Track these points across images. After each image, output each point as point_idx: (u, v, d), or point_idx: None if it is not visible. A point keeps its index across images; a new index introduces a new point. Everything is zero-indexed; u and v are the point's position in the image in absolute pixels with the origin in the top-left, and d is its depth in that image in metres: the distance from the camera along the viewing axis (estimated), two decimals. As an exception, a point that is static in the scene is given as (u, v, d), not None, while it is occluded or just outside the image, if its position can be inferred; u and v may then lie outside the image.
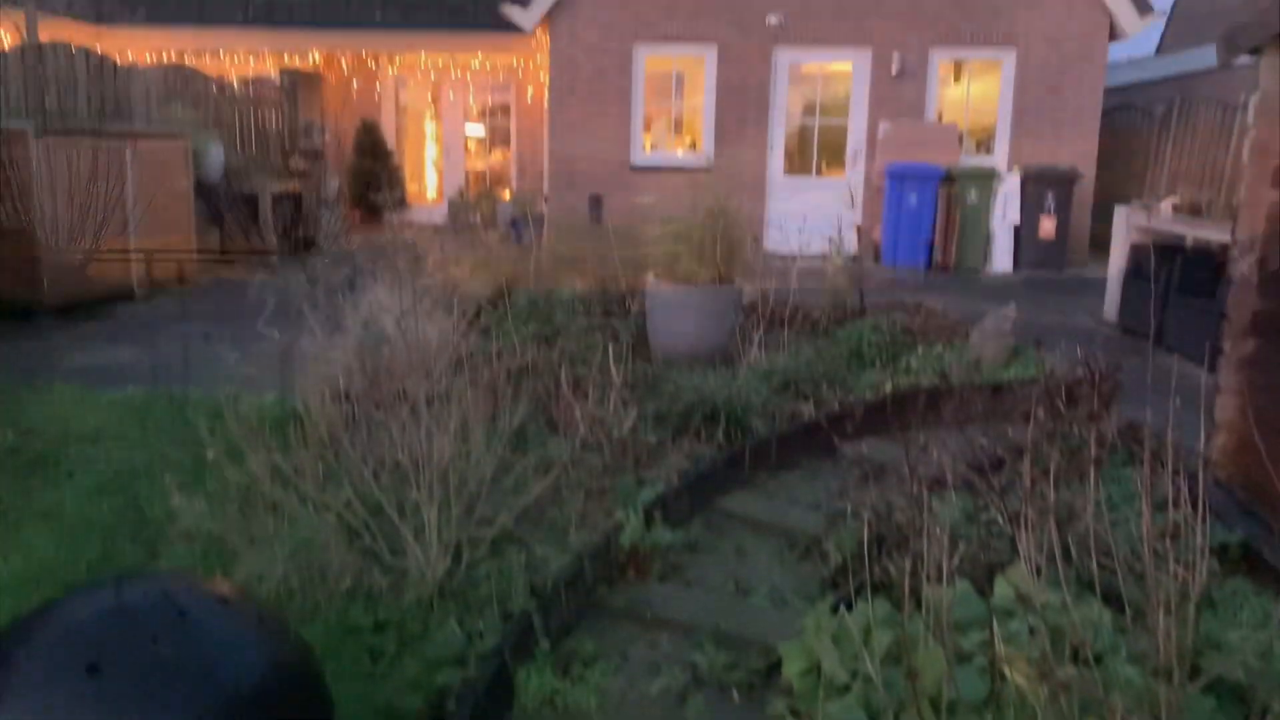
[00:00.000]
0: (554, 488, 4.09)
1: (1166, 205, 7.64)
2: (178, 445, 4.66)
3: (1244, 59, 4.85)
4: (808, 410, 5.26)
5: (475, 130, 16.48)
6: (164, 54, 14.35)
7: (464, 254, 6.97)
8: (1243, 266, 4.37)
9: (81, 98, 9.48)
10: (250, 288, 5.38)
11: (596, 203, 13.03)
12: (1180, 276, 7.22)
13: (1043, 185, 11.76)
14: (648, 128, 13.38)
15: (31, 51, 8.97)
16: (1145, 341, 7.59)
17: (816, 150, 13.04)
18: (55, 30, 11.81)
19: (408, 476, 3.59)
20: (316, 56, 14.94)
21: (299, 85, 14.20)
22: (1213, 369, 6.34)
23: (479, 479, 3.70)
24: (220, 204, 10.74)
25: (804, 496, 4.48)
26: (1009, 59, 12.47)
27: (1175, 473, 3.56)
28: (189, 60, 14.31)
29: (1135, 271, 7.94)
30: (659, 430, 4.92)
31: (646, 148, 13.35)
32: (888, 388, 5.54)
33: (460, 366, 4.54)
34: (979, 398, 5.21)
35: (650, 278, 6.70)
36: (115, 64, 10.16)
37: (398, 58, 15.43)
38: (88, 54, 9.73)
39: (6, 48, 9.56)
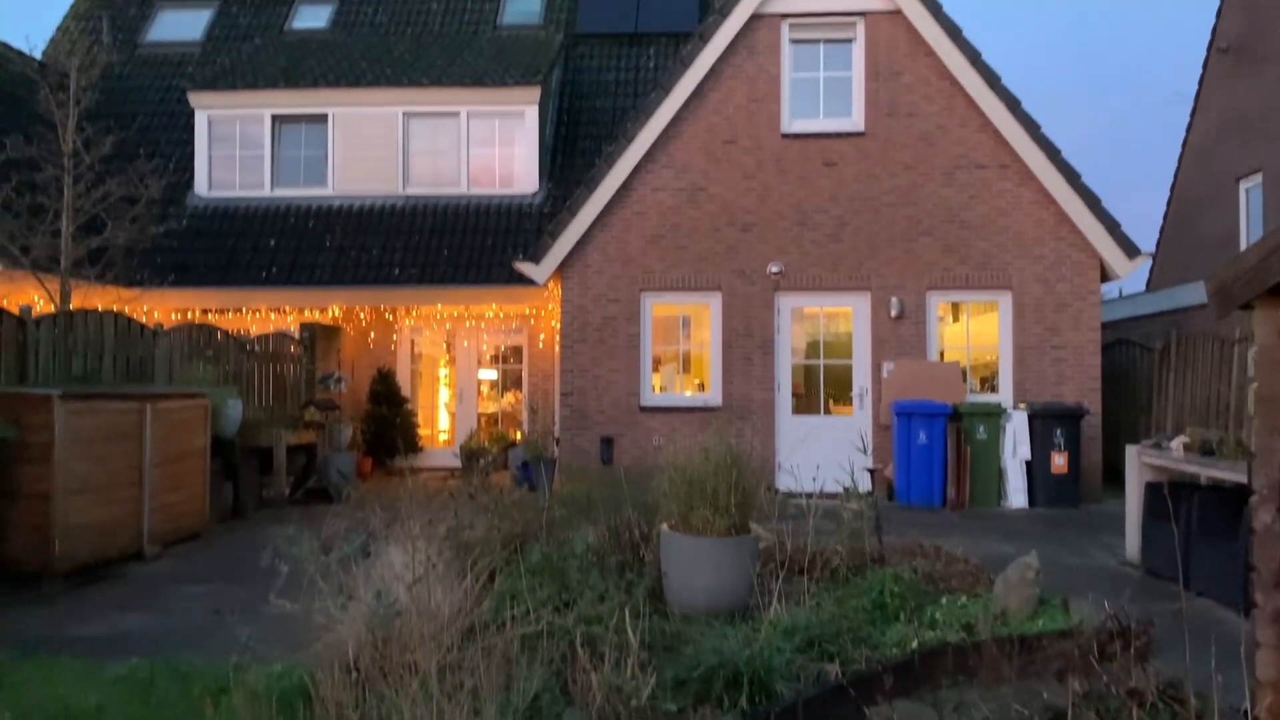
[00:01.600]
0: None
1: (1177, 444, 7.67)
2: (180, 724, 4.50)
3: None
4: (833, 671, 5.08)
5: (488, 374, 16.87)
6: (189, 312, 14.94)
7: (475, 505, 6.94)
8: (1264, 517, 4.32)
9: (108, 361, 9.77)
10: (261, 549, 5.33)
11: (608, 444, 13.14)
12: (1199, 517, 7.15)
13: (1050, 421, 11.88)
14: (656, 369, 13.69)
15: (63, 319, 9.32)
16: (1171, 584, 7.42)
17: (823, 389, 13.27)
18: (86, 293, 12.37)
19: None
20: (336, 310, 15.52)
21: (318, 337, 14.67)
22: (1247, 614, 6.14)
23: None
24: (235, 459, 10.85)
25: (834, 769, 4.25)
26: (1005, 300, 12.90)
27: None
28: (213, 317, 14.89)
29: (1153, 511, 7.87)
30: (679, 697, 4.73)
31: (656, 389, 13.61)
32: (914, 644, 5.37)
33: (473, 634, 4.45)
34: (1008, 654, 5.03)
35: (664, 527, 6.65)
36: (142, 327, 10.53)
37: (415, 309, 16.01)
38: (116, 318, 10.11)
39: (38, 312, 9.94)
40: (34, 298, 11.74)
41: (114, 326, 10.00)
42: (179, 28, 19.41)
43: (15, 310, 8.91)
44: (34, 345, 8.85)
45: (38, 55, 17.00)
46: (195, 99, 16.15)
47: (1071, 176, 12.57)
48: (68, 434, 7.72)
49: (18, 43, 16.59)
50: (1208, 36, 18.26)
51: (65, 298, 11.24)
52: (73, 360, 9.33)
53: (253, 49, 18.14)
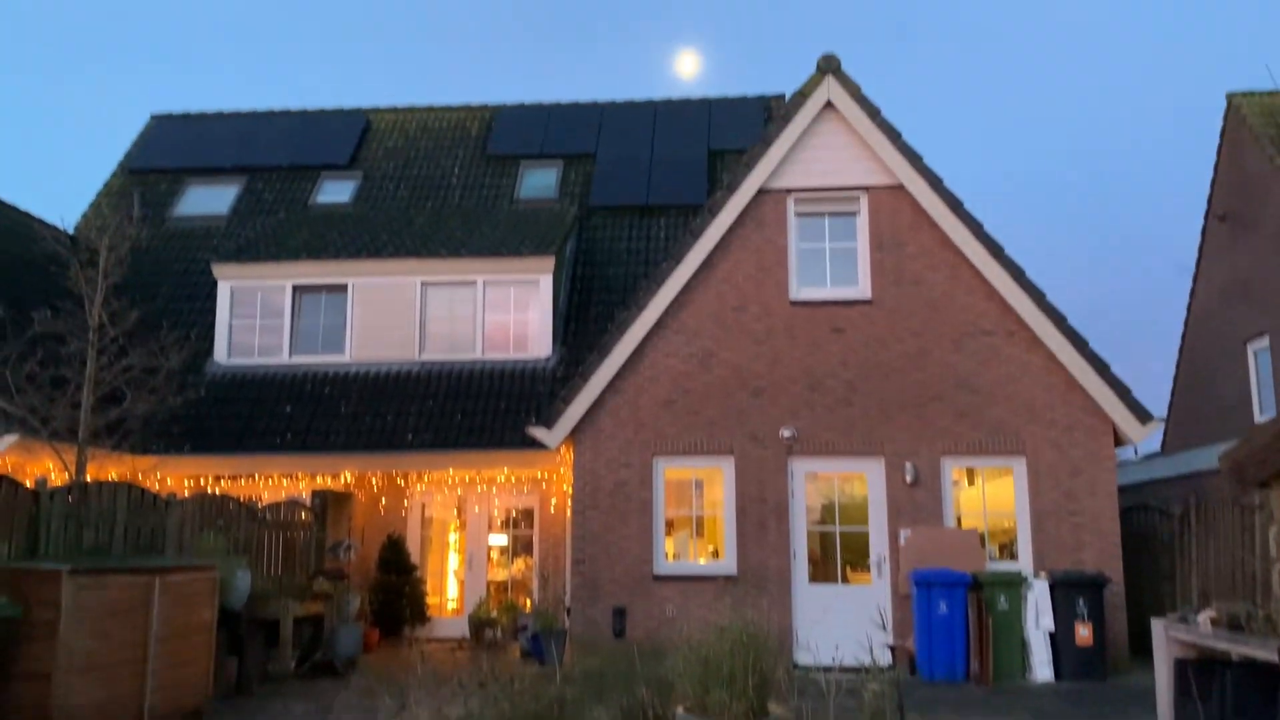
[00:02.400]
0: None
1: (1204, 619, 7.48)
2: None
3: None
4: None
5: (498, 540, 16.69)
6: (202, 479, 14.97)
7: (485, 687, 6.76)
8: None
9: (119, 532, 9.75)
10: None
11: (620, 615, 12.88)
12: (1233, 696, 6.90)
13: (1072, 590, 11.64)
14: (670, 534, 13.54)
15: (77, 491, 9.35)
16: (1210, 768, 7.11)
17: (840, 556, 13.07)
18: (102, 460, 12.44)
19: None
20: (348, 476, 15.52)
21: (329, 504, 14.63)
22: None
23: None
24: (242, 631, 10.65)
25: None
26: (1019, 466, 12.84)
27: None
28: (226, 483, 14.90)
29: (1183, 689, 7.60)
30: None
31: (669, 556, 13.42)
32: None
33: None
34: None
35: (680, 711, 6.45)
36: (155, 497, 10.55)
37: (427, 474, 16.01)
38: (129, 489, 10.14)
39: (52, 482, 9.97)
40: (49, 467, 11.80)
41: (127, 498, 10.02)
42: (207, 202, 20.18)
43: (31, 481, 8.96)
44: (46, 518, 8.86)
45: (70, 228, 17.65)
46: (219, 270, 16.64)
47: (1079, 343, 12.71)
48: (74, 611, 7.62)
49: (51, 217, 17.18)
50: (1204, 205, 18.79)
51: (81, 468, 11.29)
52: (83, 532, 9.31)
53: (276, 223, 18.79)
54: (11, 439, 11.57)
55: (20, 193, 74.15)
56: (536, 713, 6.71)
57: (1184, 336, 19.69)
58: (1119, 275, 65.68)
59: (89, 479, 10.68)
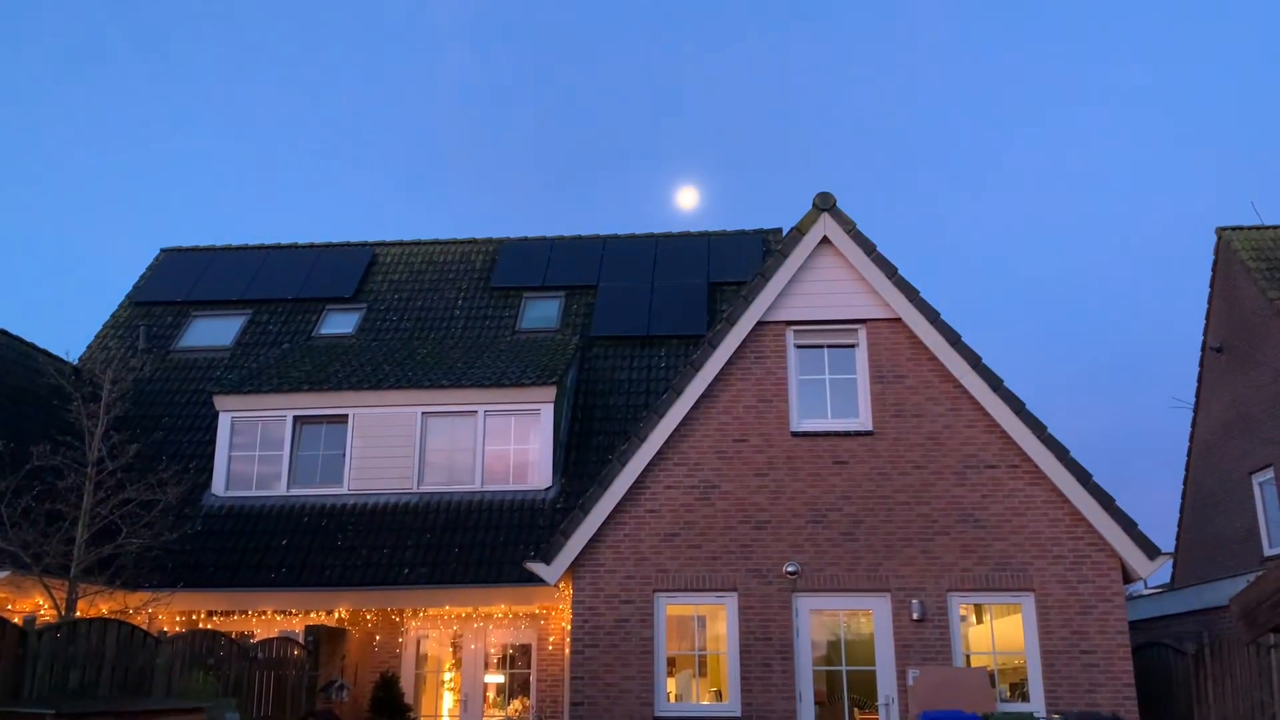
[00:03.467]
0: None
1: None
2: None
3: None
4: None
5: (494, 678, 16.24)
6: (195, 614, 14.68)
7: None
8: None
9: (106, 672, 9.49)
10: None
11: (620, 762, 12.43)
12: None
13: (1087, 733, 11.25)
14: (671, 673, 13.19)
15: (65, 629, 9.15)
16: None
17: (847, 697, 12.69)
18: (93, 596, 12.20)
19: None
20: (343, 611, 15.22)
21: (322, 641, 14.29)
22: None
23: None
24: (227, 778, 10.28)
25: None
26: (1028, 602, 12.61)
27: None
28: (218, 618, 14.60)
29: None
30: None
31: (671, 697, 13.04)
32: None
33: None
34: None
35: None
36: (145, 635, 10.32)
37: (422, 610, 15.69)
38: (120, 627, 9.92)
39: (41, 619, 9.77)
40: (39, 603, 11.59)
41: (116, 636, 9.79)
42: (211, 334, 20.40)
43: (19, 619, 8.77)
44: (33, 657, 8.63)
45: (75, 360, 17.78)
46: (220, 402, 16.68)
47: (1083, 476, 12.63)
48: (55, 758, 7.36)
49: (57, 350, 17.35)
50: (1200, 337, 18.97)
51: (71, 605, 11.09)
52: (70, 673, 9.06)
53: (279, 354, 18.94)
54: (2, 575, 11.39)
55: (27, 326, 75.04)
56: None
57: (1188, 468, 19.60)
58: (1121, 407, 65.85)
59: (79, 615, 10.46)
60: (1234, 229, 18.41)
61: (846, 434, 13.44)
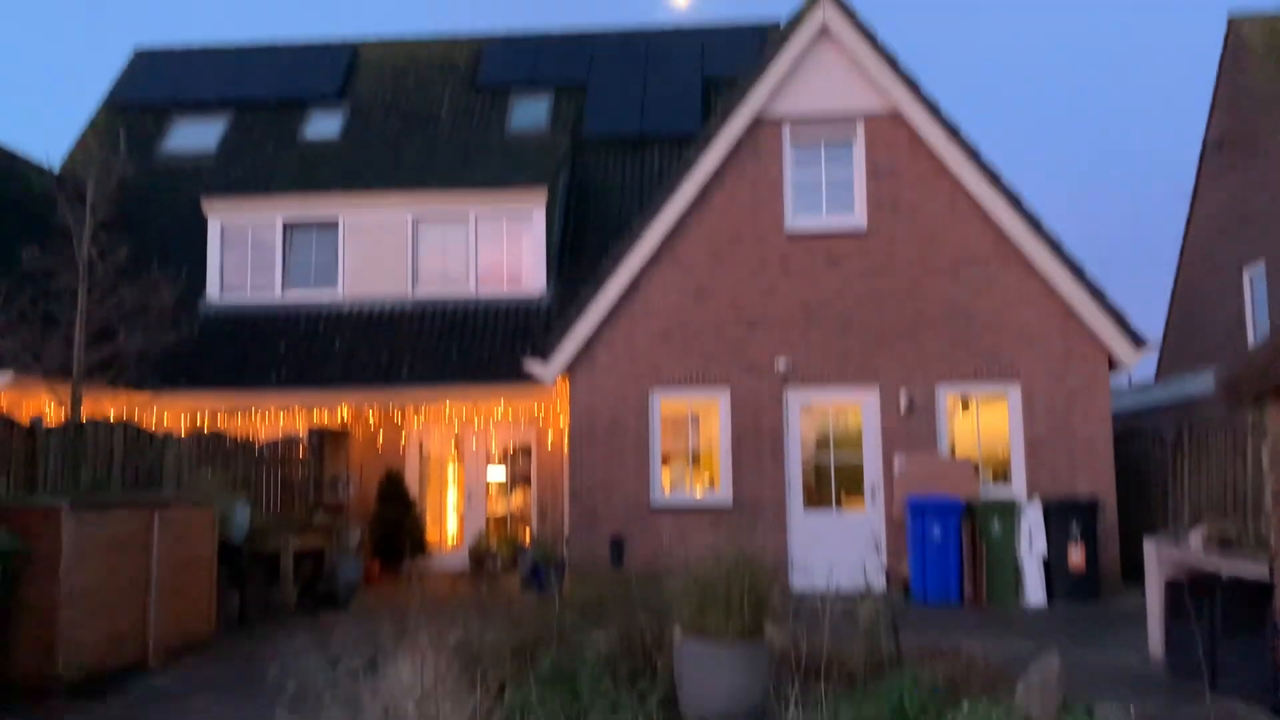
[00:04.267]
0: None
1: (1195, 538, 7.56)
2: None
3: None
4: (853, 784, 4.92)
5: (496, 475, 16.79)
6: (198, 415, 14.98)
7: (485, 613, 6.83)
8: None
9: (116, 469, 9.77)
10: (268, 659, 5.24)
11: (618, 546, 13.01)
12: (1223, 613, 7.00)
13: (1065, 515, 11.74)
14: (666, 466, 13.62)
15: (73, 429, 9.34)
16: (1198, 682, 7.24)
17: (835, 485, 13.16)
18: (98, 397, 12.41)
19: None
20: (345, 412, 15.54)
21: (326, 440, 14.66)
22: (1277, 713, 5.98)
23: None
24: (242, 565, 10.74)
25: None
26: (1014, 393, 12.89)
27: None
28: (223, 419, 14.92)
29: (1174, 608, 7.71)
30: (696, 816, 4.58)
31: (666, 488, 13.51)
32: (936, 755, 5.21)
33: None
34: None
35: (677, 633, 6.52)
36: (151, 435, 10.55)
37: (423, 409, 16.03)
38: (125, 427, 10.14)
39: (49, 419, 9.96)
40: (45, 406, 11.79)
41: (123, 435, 10.03)
42: (194, 138, 19.90)
43: (27, 420, 8.96)
44: (44, 455, 8.87)
45: (56, 167, 17.43)
46: (208, 205, 16.48)
47: (1075, 269, 12.67)
48: (75, 545, 7.66)
49: (37, 156, 16.96)
50: (1202, 131, 18.60)
51: (76, 406, 11.27)
52: (81, 470, 9.33)
53: (266, 158, 18.57)
54: (5, 378, 11.53)
55: (4, 132, 73.14)
56: (536, 636, 6.80)
57: (1180, 262, 19.64)
58: (1115, 203, 65.38)
59: (85, 417, 10.66)
60: (1247, 16, 17.75)
61: (841, 233, 13.37)
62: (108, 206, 11.96)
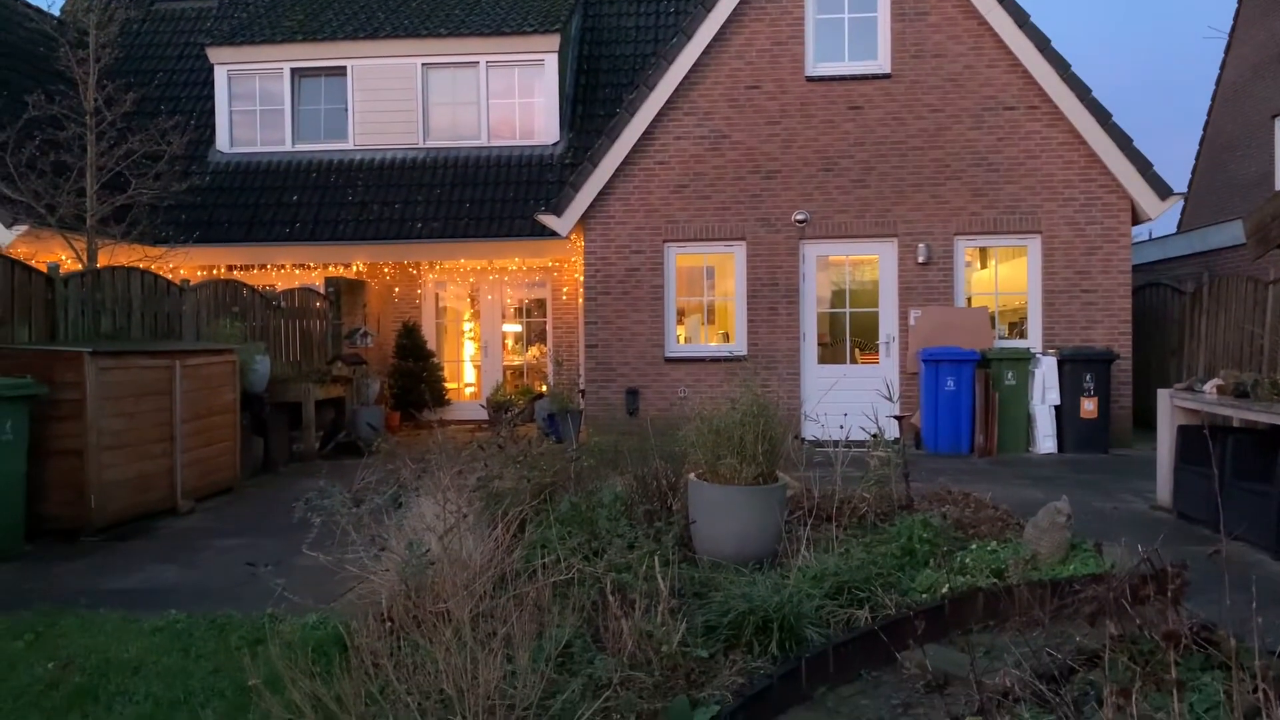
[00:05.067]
0: (603, 711, 3.92)
1: (1210, 387, 7.57)
2: (220, 674, 4.57)
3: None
4: (863, 616, 5.09)
5: (512, 328, 16.88)
6: (214, 269, 15.00)
7: (504, 456, 6.96)
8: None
9: (135, 318, 9.83)
10: (292, 502, 5.38)
11: (633, 396, 13.15)
12: (1233, 460, 7.07)
13: (1079, 366, 11.76)
14: (681, 320, 13.64)
15: (90, 277, 9.36)
16: (1203, 527, 7.39)
17: (849, 338, 13.18)
18: (113, 251, 12.42)
19: (453, 705, 3.47)
20: (360, 265, 15.53)
21: (343, 292, 14.70)
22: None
23: (525, 703, 3.57)
24: (265, 414, 10.93)
25: (867, 712, 4.27)
26: (1034, 245, 12.73)
27: (1262, 680, 3.36)
28: (238, 273, 14.94)
29: (1185, 455, 7.79)
30: (709, 643, 4.75)
31: (681, 340, 13.57)
32: (944, 589, 5.37)
33: (504, 582, 4.48)
34: (1040, 599, 5.02)
35: (692, 477, 6.64)
36: (169, 283, 10.57)
37: (439, 264, 16.00)
38: (143, 275, 10.15)
39: (65, 270, 9.98)
40: (61, 256, 11.80)
41: (141, 283, 10.05)
42: (195, -18, 19.26)
43: (43, 269, 8.97)
44: (63, 303, 8.91)
45: (55, 13, 16.96)
46: (214, 54, 16.08)
47: (1102, 116, 12.32)
48: (99, 391, 7.79)
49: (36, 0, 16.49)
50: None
51: (92, 256, 11.29)
52: (101, 318, 9.39)
53: (269, 2, 17.98)
54: (21, 228, 11.51)
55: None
56: (554, 480, 6.94)
57: (1210, 112, 19.06)
58: (1146, 49, 63.09)
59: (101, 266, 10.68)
60: None
61: (863, 77, 12.98)
62: (110, 53, 11.69)
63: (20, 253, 11.63)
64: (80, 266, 11.25)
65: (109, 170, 11.70)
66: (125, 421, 8.14)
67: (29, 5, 16.20)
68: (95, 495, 7.71)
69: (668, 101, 13.12)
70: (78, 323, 9.09)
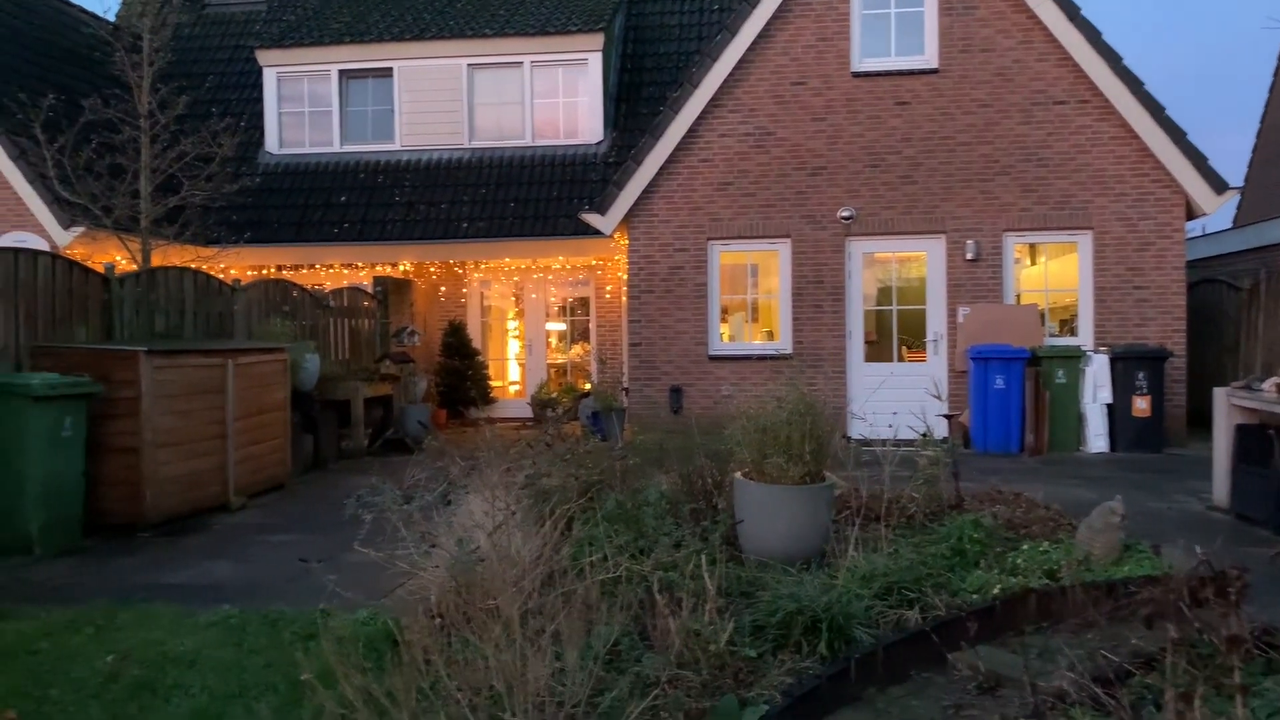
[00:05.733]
0: (651, 710, 3.92)
1: (1269, 386, 7.40)
2: (272, 668, 4.64)
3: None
4: (913, 617, 5.04)
5: (556, 326, 16.95)
6: (264, 269, 15.22)
7: (552, 454, 6.98)
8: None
9: (188, 317, 10.00)
10: (342, 499, 5.45)
11: (677, 394, 13.14)
12: (1293, 459, 6.91)
13: (1132, 364, 11.56)
14: (725, 318, 13.60)
15: (145, 277, 9.54)
16: (1261, 529, 7.23)
17: (896, 336, 13.06)
18: (165, 252, 12.65)
19: (502, 701, 3.49)
20: (407, 265, 15.68)
21: (390, 291, 14.85)
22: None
23: (574, 700, 3.58)
24: (314, 412, 11.07)
25: (918, 713, 4.23)
26: (1085, 241, 12.53)
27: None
28: (287, 273, 15.15)
29: (1242, 455, 7.63)
30: (757, 643, 4.73)
31: (725, 338, 13.53)
32: (996, 590, 5.30)
33: (553, 580, 4.50)
34: (1094, 600, 4.93)
35: (738, 475, 6.62)
36: (220, 283, 10.74)
37: (483, 263, 16.11)
38: (195, 275, 10.33)
39: (120, 271, 10.18)
40: (116, 257, 12.04)
41: (193, 283, 10.22)
42: (244, -14, 19.55)
43: (100, 269, 9.15)
44: (118, 303, 9.08)
45: (110, 18, 17.30)
46: (263, 57, 16.31)
47: (1155, 110, 12.09)
48: (154, 389, 7.93)
49: (92, 7, 16.83)
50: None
51: (146, 256, 11.51)
52: (155, 317, 9.56)
53: (317, 4, 18.20)
54: (78, 230, 11.77)
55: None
56: (600, 478, 6.95)
57: (1268, 104, 18.65)
58: (1202, 41, 61.85)
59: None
60: None
61: (910, 72, 12.85)
62: (164, 57, 11.90)
63: (77, 254, 11.90)
64: (135, 267, 11.47)
65: (162, 172, 11.92)
66: (179, 419, 8.28)
67: (85, 10, 16.56)
68: (150, 492, 7.85)
69: (712, 99, 13.08)
70: (133, 322, 9.26)
